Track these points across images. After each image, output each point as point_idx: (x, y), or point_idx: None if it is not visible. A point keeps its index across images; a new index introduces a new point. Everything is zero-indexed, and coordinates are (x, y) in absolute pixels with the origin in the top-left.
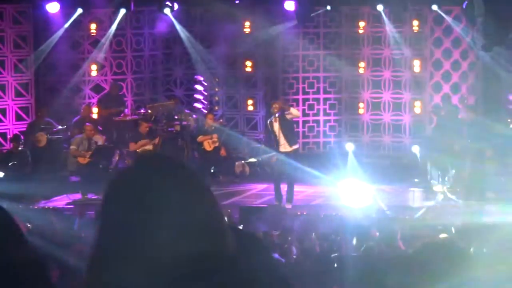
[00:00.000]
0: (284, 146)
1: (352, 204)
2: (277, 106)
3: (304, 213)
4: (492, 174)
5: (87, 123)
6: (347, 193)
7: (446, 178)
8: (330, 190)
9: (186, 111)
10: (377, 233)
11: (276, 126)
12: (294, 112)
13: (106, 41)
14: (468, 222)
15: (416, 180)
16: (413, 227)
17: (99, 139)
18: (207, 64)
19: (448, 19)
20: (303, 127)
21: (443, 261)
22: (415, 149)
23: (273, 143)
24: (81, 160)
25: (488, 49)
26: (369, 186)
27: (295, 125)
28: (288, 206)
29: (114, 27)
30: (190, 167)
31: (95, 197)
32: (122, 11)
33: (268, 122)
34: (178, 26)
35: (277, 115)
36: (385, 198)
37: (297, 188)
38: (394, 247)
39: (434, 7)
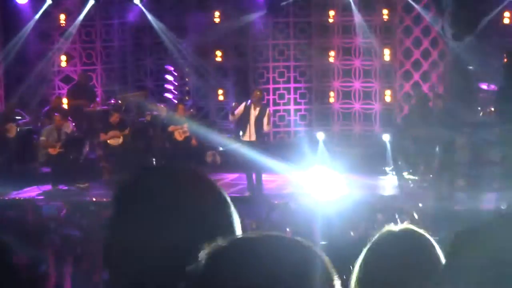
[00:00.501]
0: (251, 136)
1: (322, 193)
2: (258, 94)
3: (276, 202)
4: (463, 162)
5: (56, 113)
6: (317, 182)
7: (417, 167)
8: (301, 179)
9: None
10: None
11: (252, 113)
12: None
13: (73, 30)
14: (438, 210)
15: (386, 168)
16: (384, 215)
17: (67, 128)
18: (177, 54)
19: (417, 7)
20: (274, 116)
21: (399, 252)
22: (385, 138)
23: (241, 127)
24: (52, 150)
25: (458, 39)
26: (339, 175)
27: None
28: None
29: (81, 17)
30: (201, 172)
31: (66, 187)
32: (91, 2)
33: (245, 105)
34: (149, 16)
35: (249, 102)
36: (356, 187)
37: (269, 177)
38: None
39: None
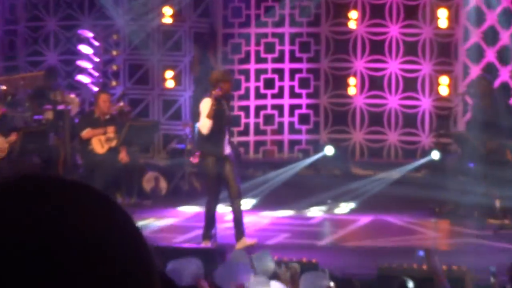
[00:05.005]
0: (226, 148)
1: None
2: (227, 84)
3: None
4: None
5: None
6: None
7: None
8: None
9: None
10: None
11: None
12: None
13: None
14: None
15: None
16: None
17: None
18: (100, 12)
19: None
20: (257, 117)
21: None
22: (435, 155)
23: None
24: None
25: None
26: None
27: None
28: (251, 242)
29: None
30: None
31: None
32: None
33: (212, 100)
34: None
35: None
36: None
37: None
38: None
39: None
